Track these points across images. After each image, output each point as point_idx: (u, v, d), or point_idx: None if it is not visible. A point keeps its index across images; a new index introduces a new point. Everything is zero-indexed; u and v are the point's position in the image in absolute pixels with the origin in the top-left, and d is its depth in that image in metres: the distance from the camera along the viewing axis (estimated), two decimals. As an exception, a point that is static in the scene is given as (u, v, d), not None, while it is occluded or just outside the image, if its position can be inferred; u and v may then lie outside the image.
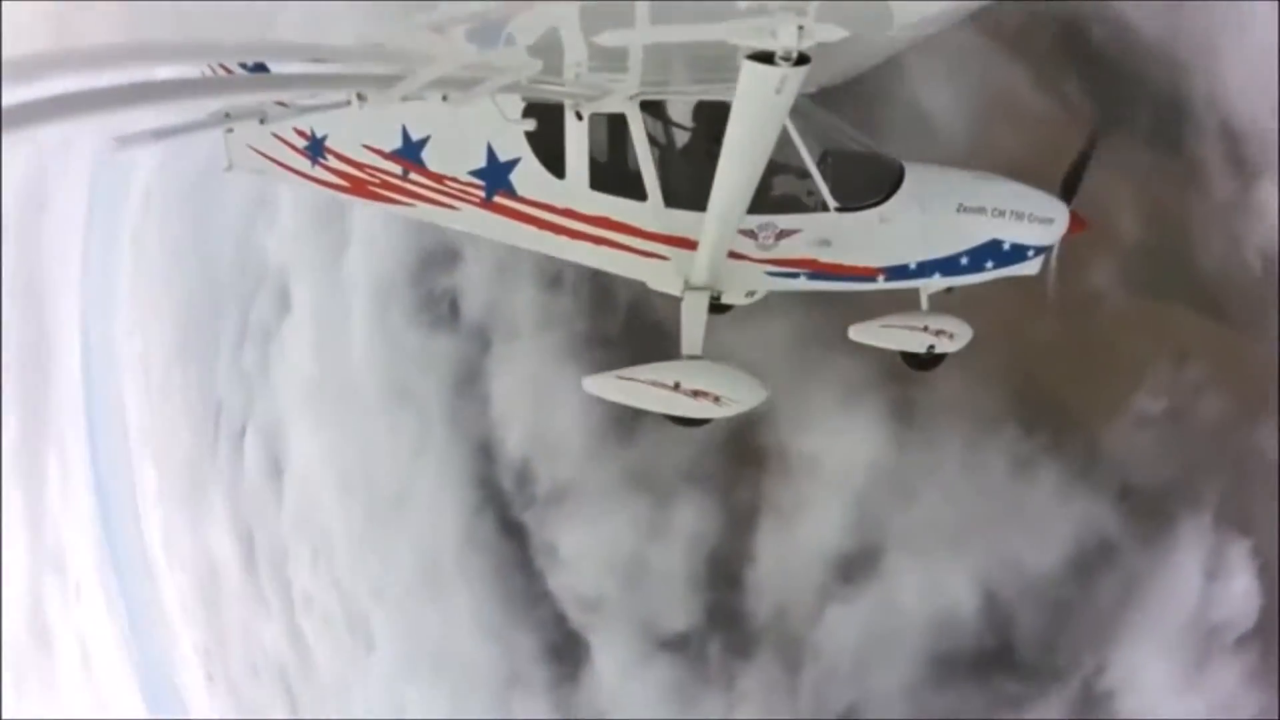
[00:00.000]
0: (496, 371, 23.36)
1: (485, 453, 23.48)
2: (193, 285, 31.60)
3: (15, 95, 3.49)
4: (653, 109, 8.98)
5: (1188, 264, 16.89)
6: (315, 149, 9.08)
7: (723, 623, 21.39)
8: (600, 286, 20.46)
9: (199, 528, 36.03)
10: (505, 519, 23.27)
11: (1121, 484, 17.08)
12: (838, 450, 19.13)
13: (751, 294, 10.47)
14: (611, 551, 21.88)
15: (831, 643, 20.10)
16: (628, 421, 20.32)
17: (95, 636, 44.80)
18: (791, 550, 20.10)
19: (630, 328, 20.08)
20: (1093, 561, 17.39)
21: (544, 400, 21.63)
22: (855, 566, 19.53)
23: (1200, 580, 16.99)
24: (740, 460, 20.22)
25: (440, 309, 24.06)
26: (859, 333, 10.25)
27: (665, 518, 21.21)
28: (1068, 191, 10.54)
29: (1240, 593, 16.96)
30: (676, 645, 22.09)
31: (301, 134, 9.02)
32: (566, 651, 23.52)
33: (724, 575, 21.11)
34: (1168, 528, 16.88)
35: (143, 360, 38.34)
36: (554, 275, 21.58)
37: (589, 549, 22.16)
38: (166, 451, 37.60)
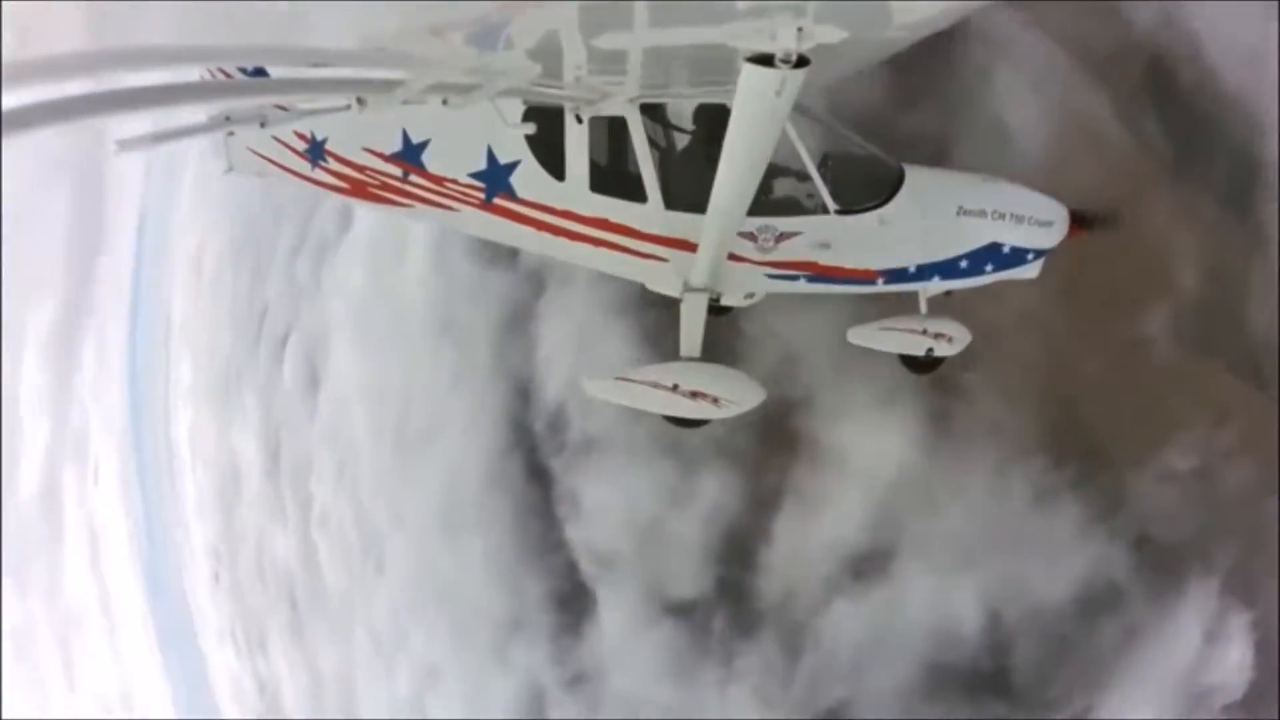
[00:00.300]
0: (546, 315, 23.33)
1: (523, 394, 23.54)
2: (256, 188, 31.79)
3: (15, 98, 3.47)
4: (652, 112, 8.99)
5: (1239, 327, 16.62)
6: (315, 152, 9.10)
7: (730, 598, 21.38)
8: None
9: (227, 429, 36.43)
10: (533, 463, 23.31)
11: (1139, 533, 16.91)
12: (869, 447, 19.05)
13: (750, 296, 10.60)
14: (632, 510, 21.90)
15: (833, 635, 20.07)
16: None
17: (107, 525, 45.63)
18: (808, 538, 20.06)
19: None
20: (1099, 603, 17.31)
21: (589, 350, 21.67)
22: (867, 565, 19.50)
23: (1199, 642, 16.82)
24: (772, 442, 20.12)
25: (500, 246, 23.71)
26: (857, 335, 10.24)
27: (690, 485, 21.19)
28: (1079, 219, 10.45)
29: (1235, 662, 16.80)
30: (682, 613, 22.10)
31: (302, 137, 9.04)
32: (573, 603, 23.60)
33: (738, 552, 21.09)
34: (1176, 585, 16.72)
35: (196, 258, 38.71)
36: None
37: (611, 504, 22.17)
38: (206, 350, 38.01)
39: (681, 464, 21.27)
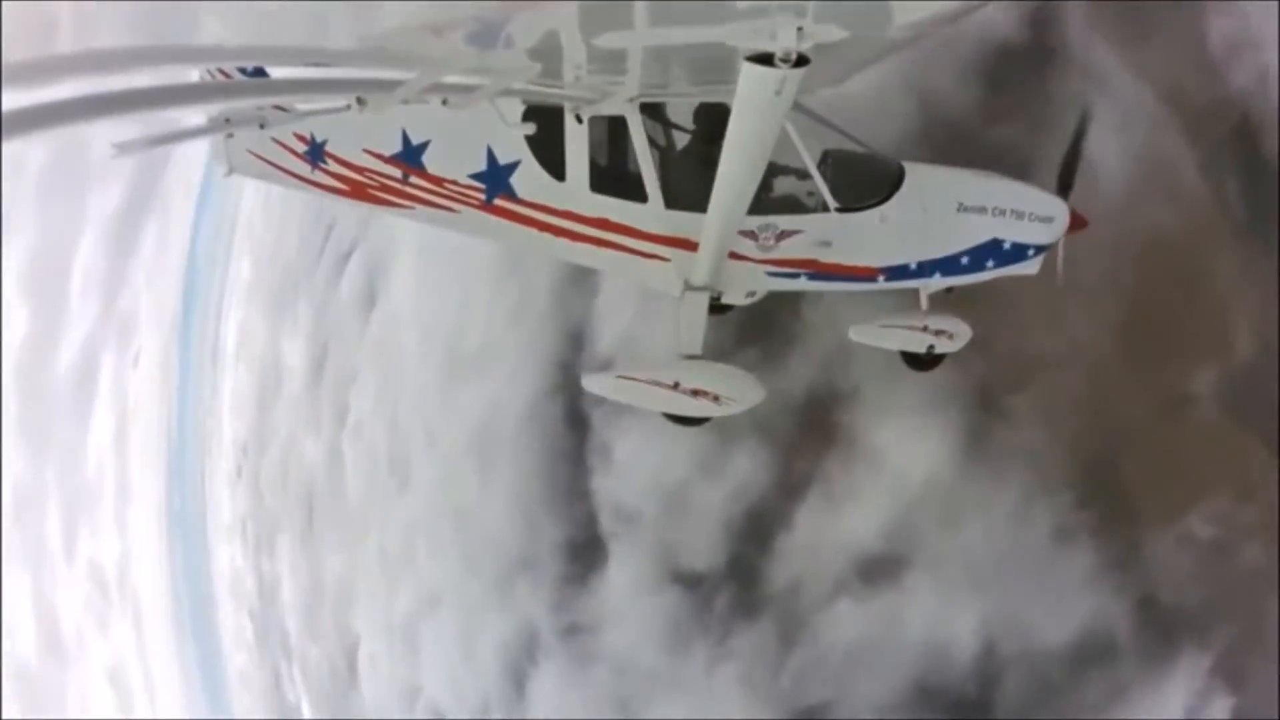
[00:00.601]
0: (613, 268, 23.25)
1: (575, 341, 23.56)
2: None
3: (16, 99, 3.47)
4: (652, 111, 9.02)
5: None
6: (315, 153, 9.07)
7: (739, 577, 21.41)
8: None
9: (277, 331, 36.80)
10: (573, 408, 23.36)
11: (1146, 593, 16.76)
12: (904, 452, 19.00)
13: (752, 294, 10.65)
14: (662, 472, 21.89)
15: (831, 634, 20.04)
16: (722, 354, 20.43)
17: (138, 408, 45.87)
18: (827, 532, 19.98)
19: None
20: (1092, 655, 17.16)
21: (649, 309, 21.74)
22: (877, 570, 19.44)
23: (1179, 716, 16.64)
24: (812, 429, 20.15)
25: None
26: (859, 333, 10.39)
27: (723, 458, 21.15)
28: (1063, 188, 10.56)
29: (1209, 746, 16.77)
30: (689, 583, 22.16)
31: (301, 139, 9.01)
32: (586, 553, 23.73)
33: (756, 533, 21.08)
34: (1170, 654, 16.56)
35: (270, 160, 38.96)
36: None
37: (642, 462, 22.13)
38: (269, 253, 38.25)
39: (718, 435, 21.08)
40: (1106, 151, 16.46)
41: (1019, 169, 16.24)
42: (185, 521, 46.77)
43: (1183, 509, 16.36)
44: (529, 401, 24.61)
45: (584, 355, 23.04)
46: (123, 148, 6.86)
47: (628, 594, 23.11)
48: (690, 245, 8.85)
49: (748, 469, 21.08)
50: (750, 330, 18.23)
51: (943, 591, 18.68)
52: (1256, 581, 15.79)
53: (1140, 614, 16.81)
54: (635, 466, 22.44)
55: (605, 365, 23.16)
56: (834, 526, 19.92)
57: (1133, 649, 16.89)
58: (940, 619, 18.66)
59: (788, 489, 20.73)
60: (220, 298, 42.73)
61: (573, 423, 23.65)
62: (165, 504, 48.05)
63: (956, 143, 17.03)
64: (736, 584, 21.55)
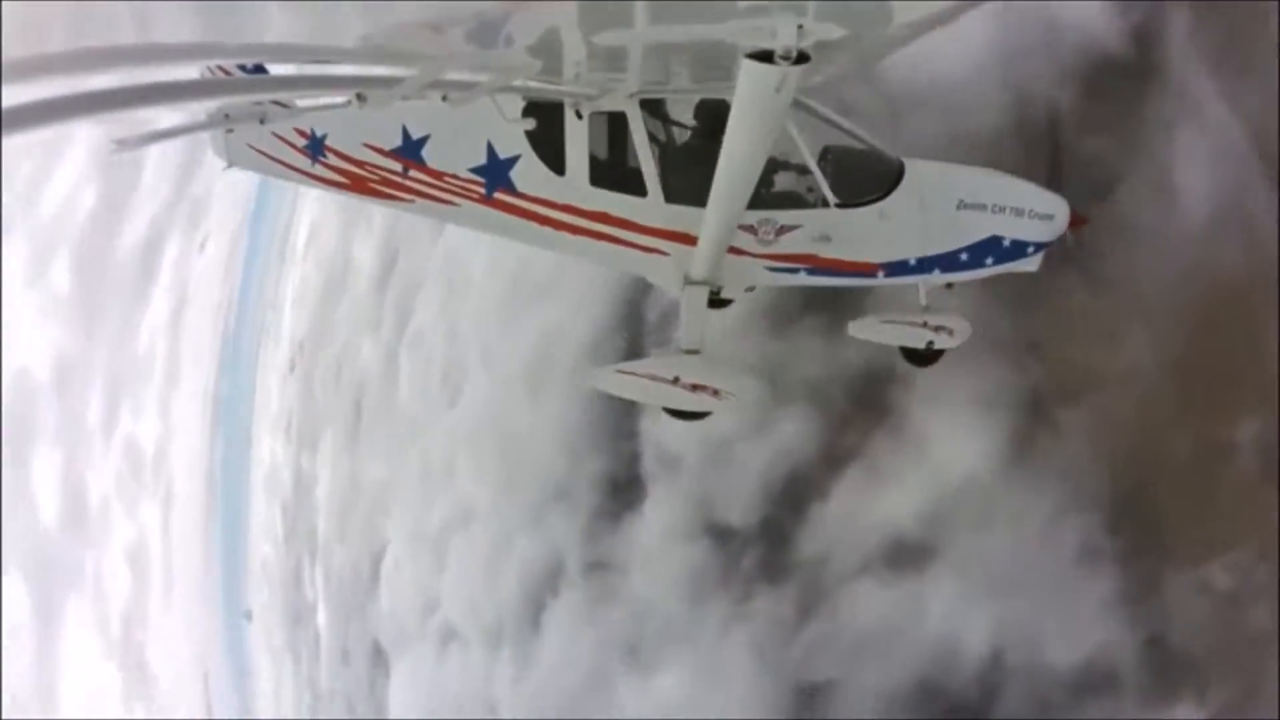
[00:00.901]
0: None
1: (645, 281, 23.62)
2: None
3: (16, 96, 3.46)
4: (652, 107, 8.99)
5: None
6: (315, 148, 9.04)
7: (769, 540, 21.35)
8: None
9: (349, 234, 37.08)
10: (635, 346, 23.21)
11: (1156, 633, 16.50)
12: (949, 445, 18.77)
13: (751, 289, 10.43)
14: (711, 422, 21.79)
15: (849, 613, 19.96)
16: (788, 318, 20.41)
17: (199, 292, 46.25)
18: (862, 509, 19.90)
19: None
20: (1093, 685, 16.95)
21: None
22: (904, 556, 19.33)
23: None
24: (864, 405, 19.98)
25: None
26: (859, 329, 10.38)
27: (773, 418, 21.04)
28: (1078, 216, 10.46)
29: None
30: (720, 537, 22.16)
31: (302, 133, 9.01)
32: (624, 492, 23.79)
33: (793, 498, 21.00)
34: (1168, 700, 16.28)
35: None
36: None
37: None
38: (350, 155, 38.38)
39: (772, 395, 21.23)
40: (1190, 178, 16.21)
41: (1105, 184, 16.19)
42: (231, 410, 47.39)
43: (1206, 556, 16.08)
44: (590, 335, 24.58)
45: (651, 297, 22.99)
46: (123, 143, 7.19)
47: (659, 538, 23.14)
48: (690, 240, 8.79)
49: (795, 433, 20.98)
50: (817, 297, 18.27)
51: (963, 590, 18.53)
52: (1260, 645, 15.45)
53: (1147, 653, 16.57)
54: (682, 415, 22.36)
55: (671, 308, 23.25)
56: (870, 505, 19.85)
57: (1134, 687, 16.66)
58: (955, 617, 18.53)
59: (831, 460, 20.62)
60: (295, 192, 42.96)
61: (632, 360, 23.46)
62: (213, 391, 48.63)
63: (1048, 144, 16.80)
64: (766, 545, 21.50)
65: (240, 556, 48.42)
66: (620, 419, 23.72)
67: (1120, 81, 16.68)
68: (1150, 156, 16.59)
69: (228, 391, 47.79)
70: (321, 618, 39.42)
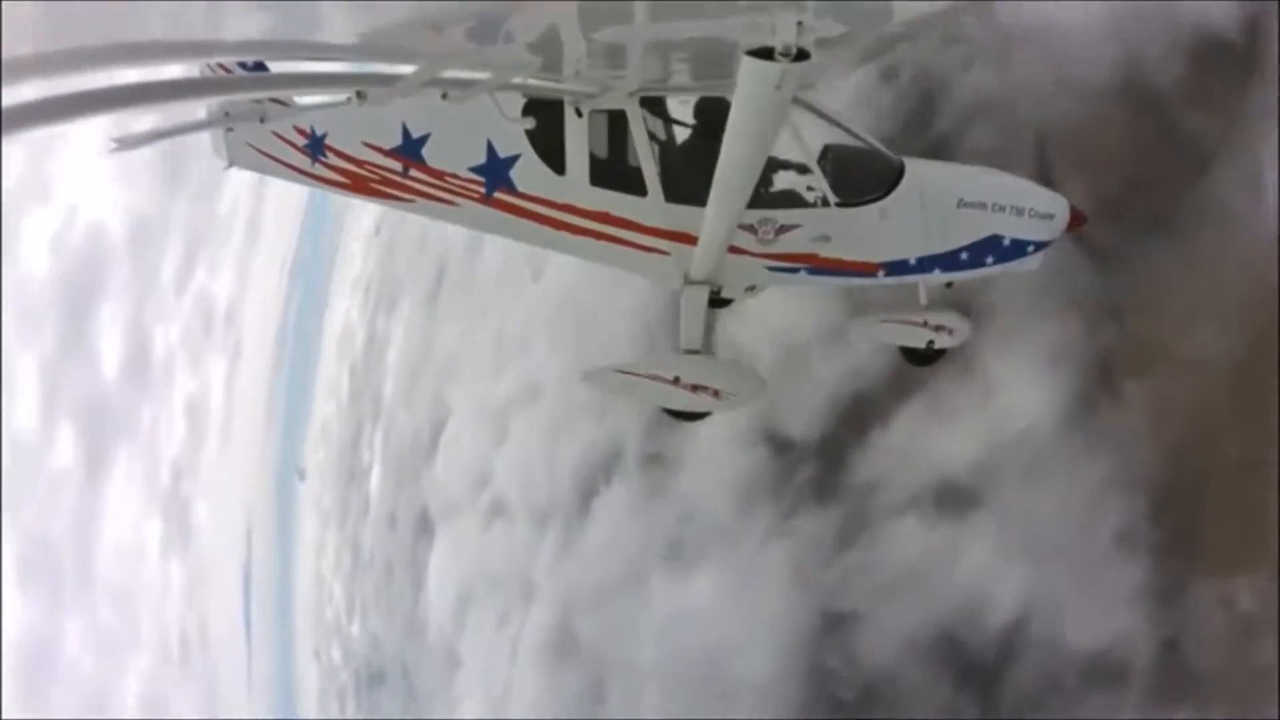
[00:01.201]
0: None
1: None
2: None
3: (15, 95, 3.43)
4: (652, 105, 8.93)
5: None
6: (315, 147, 8.97)
7: (825, 458, 21.22)
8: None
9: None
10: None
11: (1173, 637, 16.02)
12: (1014, 393, 18.35)
13: (751, 289, 10.31)
14: (788, 329, 21.43)
15: (888, 547, 19.86)
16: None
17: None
18: (920, 443, 19.62)
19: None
20: (1102, 673, 16.61)
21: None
22: (951, 501, 19.03)
23: None
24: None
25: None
26: (859, 328, 10.59)
27: (847, 339, 20.55)
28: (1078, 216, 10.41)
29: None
30: (778, 448, 22.06)
31: (301, 132, 8.93)
32: (692, 386, 23.81)
33: (856, 420, 20.78)
34: (1169, 709, 15.86)
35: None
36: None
37: (773, 314, 21.43)
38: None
39: (851, 312, 21.17)
40: (1245, 205, 15.65)
41: (1201, 161, 15.92)
42: (310, 270, 47.95)
43: (1236, 569, 15.59)
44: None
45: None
46: (123, 142, 7.34)
47: (717, 439, 23.09)
48: (690, 239, 8.72)
49: (868, 354, 20.48)
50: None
51: (1000, 548, 18.27)
52: (1264, 677, 14.87)
53: (1160, 655, 16.19)
54: (765, 316, 21.73)
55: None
56: (928, 440, 19.58)
57: (1139, 689, 16.33)
58: (989, 573, 18.27)
59: (898, 388, 20.18)
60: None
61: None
62: (294, 251, 49.18)
63: (1153, 111, 16.47)
64: (821, 464, 21.44)
65: (302, 415, 49.16)
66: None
67: (1228, 66, 16.36)
68: (1246, 146, 16.02)
69: (309, 252, 48.28)
70: (374, 481, 40.07)
